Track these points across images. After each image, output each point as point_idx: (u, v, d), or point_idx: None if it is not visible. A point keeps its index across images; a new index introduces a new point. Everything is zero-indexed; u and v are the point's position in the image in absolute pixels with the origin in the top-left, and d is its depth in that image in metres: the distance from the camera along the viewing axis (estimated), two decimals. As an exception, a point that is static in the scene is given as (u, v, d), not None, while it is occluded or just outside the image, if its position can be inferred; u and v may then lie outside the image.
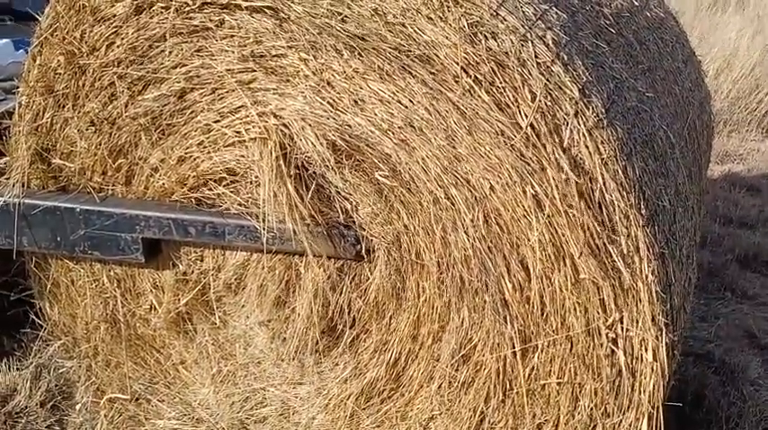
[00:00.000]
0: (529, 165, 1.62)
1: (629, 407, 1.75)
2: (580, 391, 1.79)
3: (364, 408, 2.09)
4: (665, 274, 1.64)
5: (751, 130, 6.59)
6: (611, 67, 1.76)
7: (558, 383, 1.81)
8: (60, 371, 2.78)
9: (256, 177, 1.89)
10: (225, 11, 1.81)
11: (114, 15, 1.94)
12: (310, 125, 1.80)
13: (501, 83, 1.58)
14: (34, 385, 3.04)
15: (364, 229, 1.88)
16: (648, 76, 2.06)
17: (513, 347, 1.81)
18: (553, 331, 1.76)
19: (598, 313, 1.69)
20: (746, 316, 3.74)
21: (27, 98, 2.15)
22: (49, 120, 2.15)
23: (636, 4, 2.38)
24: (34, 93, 2.13)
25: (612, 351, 1.71)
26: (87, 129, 2.11)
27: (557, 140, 1.58)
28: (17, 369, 3.09)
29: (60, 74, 2.08)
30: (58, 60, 2.07)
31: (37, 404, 3.02)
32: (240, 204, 1.99)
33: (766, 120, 6.71)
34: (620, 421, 1.77)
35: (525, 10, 1.62)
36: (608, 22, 2.05)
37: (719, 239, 4.44)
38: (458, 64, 1.60)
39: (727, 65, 7.12)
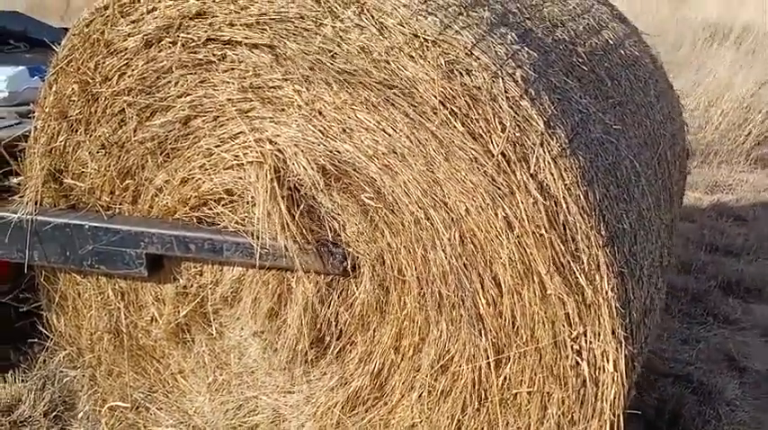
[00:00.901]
0: (500, 189, 1.78)
1: (593, 416, 1.89)
2: (548, 400, 1.93)
3: (350, 416, 2.22)
4: (624, 291, 1.79)
5: (740, 162, 6.75)
6: (578, 102, 1.93)
7: (529, 393, 1.95)
8: (64, 381, 2.92)
9: (252, 198, 2.05)
10: (227, 46, 1.99)
11: (126, 49, 2.12)
12: (302, 151, 1.97)
13: (474, 115, 1.75)
14: (38, 396, 3.18)
15: (351, 247, 2.04)
16: (618, 109, 2.23)
17: (488, 358, 1.96)
18: (523, 343, 1.91)
19: (564, 326, 1.84)
20: (727, 340, 3.87)
21: (42, 122, 2.32)
22: (63, 143, 2.32)
23: (611, 43, 2.55)
24: (49, 118, 2.30)
25: (577, 362, 1.86)
26: (98, 152, 2.28)
27: (525, 167, 1.74)
28: (22, 380, 3.23)
29: (74, 101, 2.26)
30: (73, 88, 2.24)
31: (40, 414, 3.15)
32: (237, 223, 2.15)
33: (755, 153, 6.87)
34: (586, 428, 1.90)
35: (498, 50, 1.80)
36: (581, 59, 2.22)
37: (704, 266, 4.57)
38: (436, 97, 1.77)
39: (717, 98, 7.31)
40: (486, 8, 1.96)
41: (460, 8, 1.87)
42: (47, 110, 2.31)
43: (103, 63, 2.17)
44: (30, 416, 3.17)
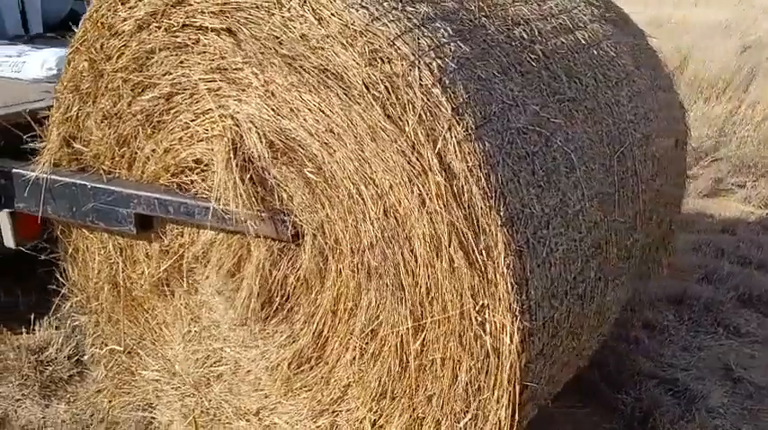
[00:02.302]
0: (414, 168, 1.96)
1: (495, 385, 2.03)
2: (459, 368, 2.09)
3: (296, 373, 2.45)
4: (523, 269, 1.93)
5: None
6: (504, 93, 2.07)
7: (442, 359, 2.11)
8: (76, 324, 3.29)
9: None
10: (200, 31, 2.26)
11: (124, 31, 2.43)
12: (256, 127, 2.21)
13: (393, 100, 1.94)
14: (66, 341, 3.59)
15: (296, 216, 2.26)
16: (567, 105, 2.34)
17: (408, 326, 2.14)
18: (437, 313, 2.07)
19: (470, 299, 1.99)
20: (731, 351, 3.83)
21: (60, 94, 2.68)
22: (75, 113, 2.66)
23: (583, 42, 2.65)
24: (65, 90, 2.65)
25: (482, 333, 2.01)
26: (101, 122, 2.61)
27: (434, 149, 1.91)
28: (56, 327, 3.66)
29: (85, 76, 2.59)
30: (84, 65, 2.58)
31: (65, 356, 3.57)
32: (206, 189, 2.41)
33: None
34: (489, 397, 2.05)
35: (422, 42, 1.97)
36: (533, 56, 2.35)
37: (727, 277, 4.49)
38: (361, 83, 1.97)
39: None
40: (428, 4, 2.13)
41: (397, 2, 2.06)
42: (65, 83, 2.66)
43: (107, 43, 2.49)
44: (55, 358, 3.59)
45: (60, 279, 3.04)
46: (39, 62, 3.56)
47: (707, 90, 8.05)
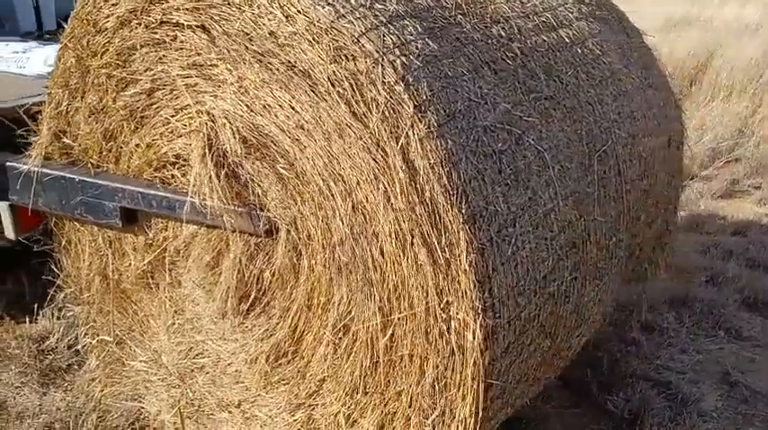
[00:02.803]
0: (379, 165, 1.97)
1: (460, 382, 2.04)
2: (426, 364, 2.10)
3: (274, 367, 2.48)
4: (485, 267, 1.93)
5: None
6: (472, 91, 2.07)
7: (410, 355, 2.12)
8: (70, 317, 3.37)
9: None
10: (176, 28, 2.29)
11: (107, 28, 2.48)
12: (230, 122, 2.24)
13: (357, 97, 1.95)
14: (67, 331, 3.67)
15: (271, 212, 2.29)
16: (542, 103, 2.33)
17: (377, 322, 2.15)
18: (404, 309, 2.08)
19: (435, 296, 2.00)
20: (731, 355, 3.77)
21: (51, 90, 2.74)
22: (65, 108, 2.72)
23: (566, 41, 2.64)
24: (56, 86, 2.72)
25: (447, 330, 2.01)
26: (89, 117, 2.67)
27: (396, 146, 1.92)
28: (57, 318, 3.74)
29: (73, 72, 2.65)
30: (72, 62, 2.64)
31: (65, 346, 3.65)
32: (185, 184, 2.45)
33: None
34: (455, 394, 2.05)
35: (387, 39, 1.98)
36: (510, 54, 2.34)
37: (732, 280, 4.42)
38: (327, 80, 1.98)
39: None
40: (399, 2, 2.14)
41: (365, 0, 2.07)
42: (55, 79, 2.73)
43: (93, 40, 2.55)
44: (55, 347, 3.68)
45: (55, 270, 3.11)
46: (41, 58, 3.64)
47: (726, 89, 7.90)
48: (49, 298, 3.35)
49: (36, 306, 3.75)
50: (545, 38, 2.55)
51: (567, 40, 2.63)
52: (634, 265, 3.10)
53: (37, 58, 3.68)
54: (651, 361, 3.64)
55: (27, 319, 3.79)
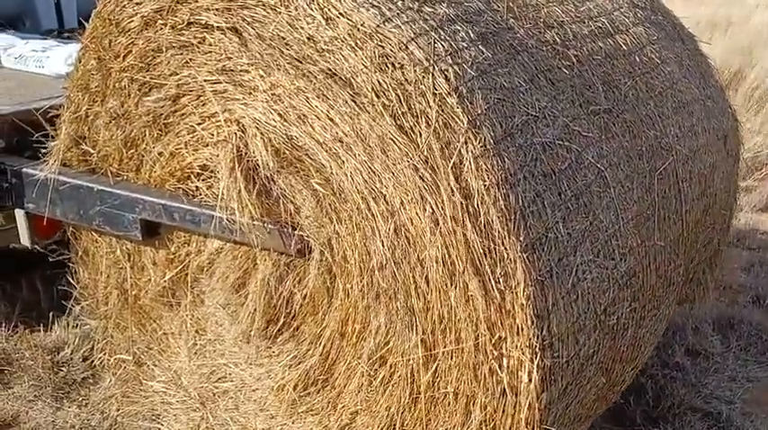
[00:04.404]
0: (427, 185, 1.78)
1: (511, 427, 1.84)
2: (473, 404, 1.91)
3: (302, 396, 2.30)
4: (544, 301, 1.73)
5: None
6: (530, 104, 1.88)
7: (455, 393, 1.93)
8: (85, 327, 3.21)
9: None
10: (206, 30, 2.12)
11: (131, 29, 2.31)
12: (261, 133, 2.06)
13: (404, 109, 1.76)
14: (82, 342, 3.53)
15: (304, 230, 2.10)
16: (602, 117, 2.13)
17: (418, 355, 1.96)
18: (450, 343, 1.89)
19: (485, 330, 1.80)
20: (788, 384, 3.54)
21: (71, 93, 2.58)
22: (84, 112, 2.56)
23: (624, 48, 2.43)
24: (75, 89, 2.55)
25: (498, 368, 1.82)
26: (110, 123, 2.50)
27: (448, 165, 1.73)
28: (74, 327, 3.60)
29: (94, 74, 2.49)
30: (93, 63, 2.47)
31: (80, 358, 3.50)
32: (211, 198, 2.28)
33: None
34: (505, 438, 1.86)
35: (438, 46, 1.79)
36: (566, 63, 2.14)
37: (783, 301, 4.19)
38: (371, 89, 1.80)
39: None
40: (449, 4, 1.95)
41: (413, 2, 1.88)
42: (75, 82, 2.56)
43: (115, 41, 2.38)
44: (70, 359, 3.53)
45: (72, 281, 2.96)
46: (63, 57, 3.49)
47: (766, 98, 7.62)
48: (66, 310, 3.21)
49: (51, 314, 3.61)
50: (601, 44, 2.35)
51: (624, 48, 2.43)
52: (686, 289, 2.89)
53: (57, 57, 3.53)
54: (698, 389, 3.42)
55: (42, 328, 3.64)
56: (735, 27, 10.96)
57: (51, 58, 3.56)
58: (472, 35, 1.90)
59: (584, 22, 2.37)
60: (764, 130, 6.85)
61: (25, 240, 3.03)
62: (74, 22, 4.91)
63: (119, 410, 2.98)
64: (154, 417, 2.85)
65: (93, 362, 3.43)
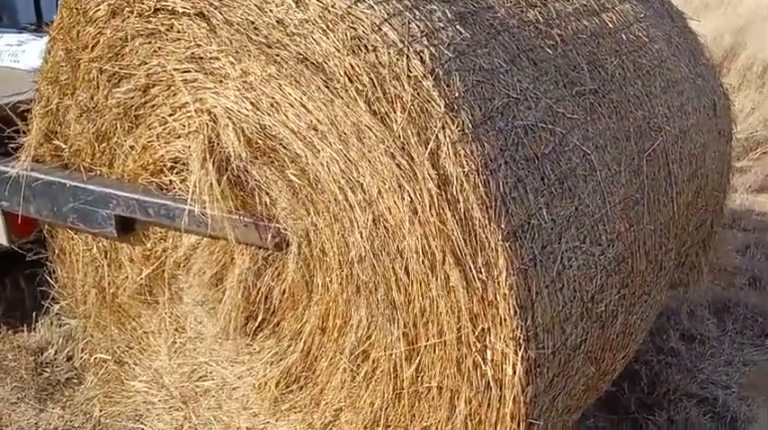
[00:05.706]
0: (404, 173, 1.71)
1: (497, 420, 1.77)
2: (457, 398, 1.84)
3: (284, 393, 2.23)
4: (528, 290, 1.66)
5: None
6: (510, 85, 1.80)
7: (439, 387, 1.87)
8: (66, 327, 3.14)
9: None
10: (173, 16, 2.03)
11: (98, 17, 2.22)
12: (233, 123, 1.98)
13: (378, 93, 1.68)
14: (66, 342, 3.45)
15: (280, 223, 2.03)
16: (587, 98, 2.05)
17: (401, 348, 1.89)
18: (433, 336, 1.82)
19: (467, 322, 1.73)
20: (784, 367, 3.48)
21: (41, 86, 2.49)
22: (55, 106, 2.47)
23: (610, 26, 2.35)
24: (45, 82, 2.46)
25: (482, 360, 1.75)
26: (80, 116, 2.41)
27: (425, 151, 1.65)
28: (57, 327, 3.52)
29: (63, 66, 2.40)
30: (61, 55, 2.38)
31: (64, 358, 3.43)
32: (184, 191, 2.20)
33: None
34: (491, 433, 1.79)
35: (413, 26, 1.71)
36: (550, 42, 2.07)
37: (781, 283, 4.13)
38: (344, 74, 1.72)
39: None
40: (424, -17, 1.86)
41: (387, -18, 1.79)
42: (44, 75, 2.47)
43: (83, 31, 2.29)
44: (54, 359, 3.45)
45: (50, 280, 2.89)
46: (37, 51, 3.39)
47: (760, 77, 7.54)
48: (44, 309, 3.14)
49: (34, 314, 3.53)
50: (586, 23, 2.27)
51: (610, 26, 2.35)
52: (679, 273, 2.82)
53: (32, 51, 3.43)
54: (694, 374, 3.36)
55: (25, 328, 3.57)
56: (728, 6, 10.87)
57: (27, 53, 3.47)
58: (449, 15, 1.82)
59: (569, 0, 2.29)
60: (759, 109, 6.78)
61: (2, 238, 2.95)
62: (52, 16, 4.80)
63: (102, 411, 2.91)
64: (137, 418, 2.78)
65: (75, 362, 3.38)
